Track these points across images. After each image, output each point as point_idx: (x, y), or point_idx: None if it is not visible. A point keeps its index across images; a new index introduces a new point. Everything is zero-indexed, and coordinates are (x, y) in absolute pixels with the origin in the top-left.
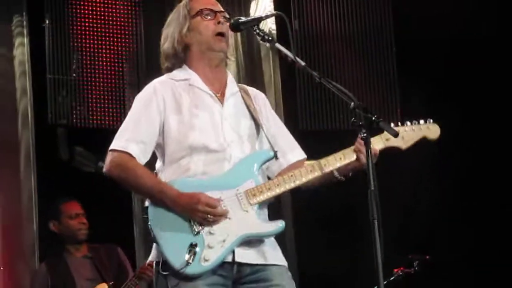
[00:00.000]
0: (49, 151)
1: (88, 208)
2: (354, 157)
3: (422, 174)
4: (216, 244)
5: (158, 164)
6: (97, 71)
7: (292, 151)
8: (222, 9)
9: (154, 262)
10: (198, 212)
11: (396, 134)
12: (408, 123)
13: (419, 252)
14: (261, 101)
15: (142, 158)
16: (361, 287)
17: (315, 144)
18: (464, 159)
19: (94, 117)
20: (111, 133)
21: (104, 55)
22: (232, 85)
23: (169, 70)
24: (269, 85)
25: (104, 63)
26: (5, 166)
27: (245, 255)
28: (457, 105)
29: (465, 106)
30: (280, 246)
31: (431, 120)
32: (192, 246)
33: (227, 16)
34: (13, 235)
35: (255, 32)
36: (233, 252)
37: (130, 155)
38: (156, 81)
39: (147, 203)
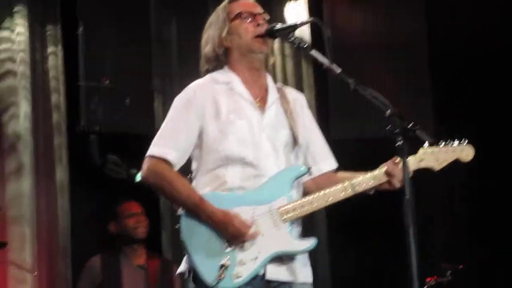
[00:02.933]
0: (82, 157)
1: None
2: (385, 179)
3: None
4: (248, 261)
5: (193, 167)
6: (128, 77)
7: (324, 160)
8: (262, 11)
9: (185, 273)
10: (229, 233)
11: (432, 142)
12: (443, 143)
13: (452, 261)
14: (299, 104)
15: (179, 164)
16: None
17: (347, 153)
18: (495, 165)
19: (126, 124)
20: (143, 139)
21: (134, 61)
22: (272, 90)
23: (210, 72)
24: (301, 91)
25: (135, 69)
26: (41, 172)
27: (275, 272)
28: (491, 116)
29: (499, 116)
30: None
31: (466, 141)
32: (225, 261)
33: (267, 17)
34: (48, 240)
35: (290, 40)
36: (265, 267)
37: (168, 162)
38: (196, 84)
39: (179, 212)
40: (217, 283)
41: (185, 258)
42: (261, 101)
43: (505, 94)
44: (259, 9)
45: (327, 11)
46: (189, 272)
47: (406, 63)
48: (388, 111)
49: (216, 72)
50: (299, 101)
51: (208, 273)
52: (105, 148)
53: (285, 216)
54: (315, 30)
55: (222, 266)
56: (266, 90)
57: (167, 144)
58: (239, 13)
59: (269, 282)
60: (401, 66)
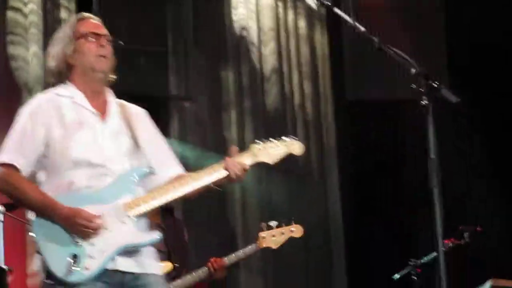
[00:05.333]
0: None
1: None
2: (224, 173)
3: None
4: (96, 254)
5: (41, 175)
6: (143, 37)
7: (170, 167)
8: (106, 33)
9: (40, 273)
10: (77, 226)
11: (457, 101)
12: (274, 140)
13: (470, 223)
14: (141, 117)
15: (26, 171)
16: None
17: (361, 115)
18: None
19: (141, 85)
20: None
21: (148, 23)
22: (113, 104)
23: (53, 86)
24: (315, 55)
25: (150, 29)
26: None
27: (125, 264)
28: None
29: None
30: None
31: (294, 138)
32: (75, 256)
33: (110, 39)
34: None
35: None
36: (115, 261)
37: (15, 168)
38: (40, 97)
39: (31, 218)
40: (68, 275)
41: (36, 256)
42: (102, 112)
43: None
44: (104, 31)
45: None
46: (42, 269)
47: (423, 26)
48: (414, 70)
49: (59, 86)
50: (140, 115)
51: (59, 268)
52: None
53: (129, 212)
54: None
55: (73, 257)
56: (106, 104)
57: (14, 151)
58: (85, 33)
59: (123, 276)
60: (418, 29)
